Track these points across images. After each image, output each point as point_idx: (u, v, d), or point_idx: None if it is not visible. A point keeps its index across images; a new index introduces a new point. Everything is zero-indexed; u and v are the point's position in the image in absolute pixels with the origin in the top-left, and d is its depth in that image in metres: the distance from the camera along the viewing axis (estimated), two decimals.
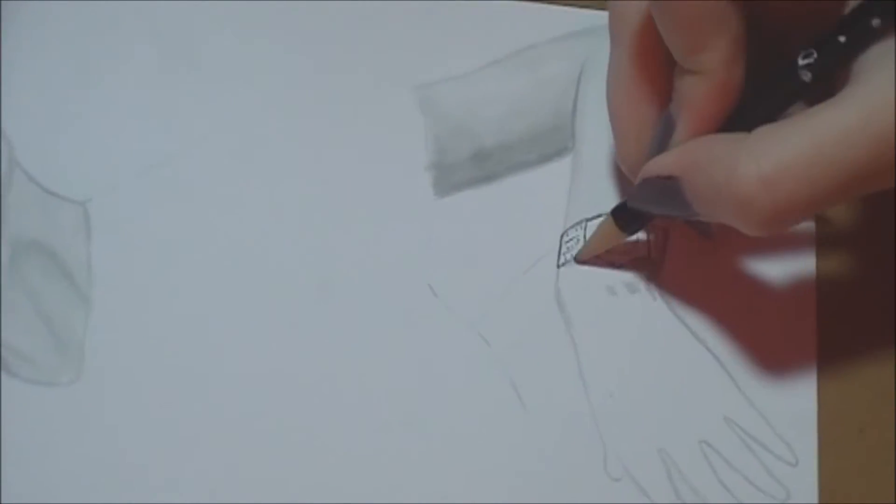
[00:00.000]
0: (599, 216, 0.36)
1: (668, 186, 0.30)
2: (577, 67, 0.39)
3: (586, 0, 0.39)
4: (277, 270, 0.36)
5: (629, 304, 0.35)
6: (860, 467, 0.33)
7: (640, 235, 0.36)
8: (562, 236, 0.36)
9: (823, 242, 0.36)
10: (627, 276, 0.36)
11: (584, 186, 0.37)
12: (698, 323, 0.35)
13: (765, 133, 0.28)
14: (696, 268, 0.36)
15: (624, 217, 0.34)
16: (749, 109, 0.30)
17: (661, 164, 0.30)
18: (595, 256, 0.35)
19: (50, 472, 0.33)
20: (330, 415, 0.34)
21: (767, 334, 0.35)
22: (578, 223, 0.36)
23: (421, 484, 0.33)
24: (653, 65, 0.32)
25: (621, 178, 0.37)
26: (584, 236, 0.36)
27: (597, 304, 0.35)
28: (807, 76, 0.29)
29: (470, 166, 0.37)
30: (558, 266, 0.36)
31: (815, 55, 0.29)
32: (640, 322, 0.35)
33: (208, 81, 0.38)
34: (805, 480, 0.33)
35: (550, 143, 0.38)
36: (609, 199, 0.37)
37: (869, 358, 0.35)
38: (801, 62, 0.29)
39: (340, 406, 0.34)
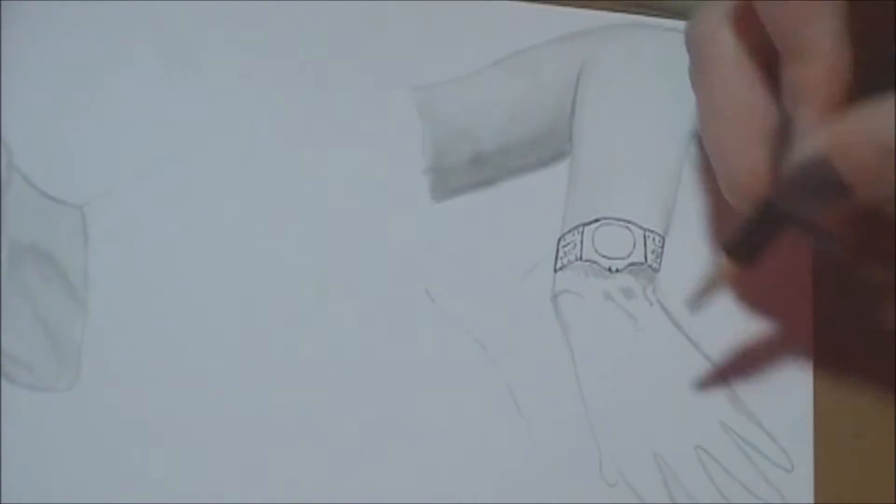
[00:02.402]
0: (596, 221, 0.36)
1: (820, 172, 0.28)
2: (575, 69, 0.39)
3: (585, 0, 0.39)
4: (274, 275, 0.36)
5: (626, 309, 0.35)
6: (856, 472, 0.33)
7: (638, 244, 0.36)
8: (559, 241, 0.36)
9: (821, 249, 0.36)
10: (624, 282, 0.36)
11: (582, 191, 0.37)
12: (694, 328, 0.35)
13: None
14: (693, 275, 0.35)
15: (738, 249, 0.32)
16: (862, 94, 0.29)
17: (812, 145, 0.29)
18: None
19: (48, 477, 0.33)
20: (326, 419, 0.34)
21: (763, 339, 0.35)
22: (576, 227, 0.36)
23: (415, 487, 0.33)
24: (756, 74, 0.32)
25: (618, 183, 0.37)
26: (581, 241, 0.36)
27: (593, 309, 0.35)
28: None
29: (468, 170, 0.37)
30: (555, 271, 0.36)
31: None
32: (636, 327, 0.35)
33: (206, 86, 0.38)
34: (801, 486, 0.33)
35: (548, 147, 0.38)
36: (606, 203, 0.36)
37: (865, 363, 0.35)
38: None
39: (336, 410, 0.34)
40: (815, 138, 0.29)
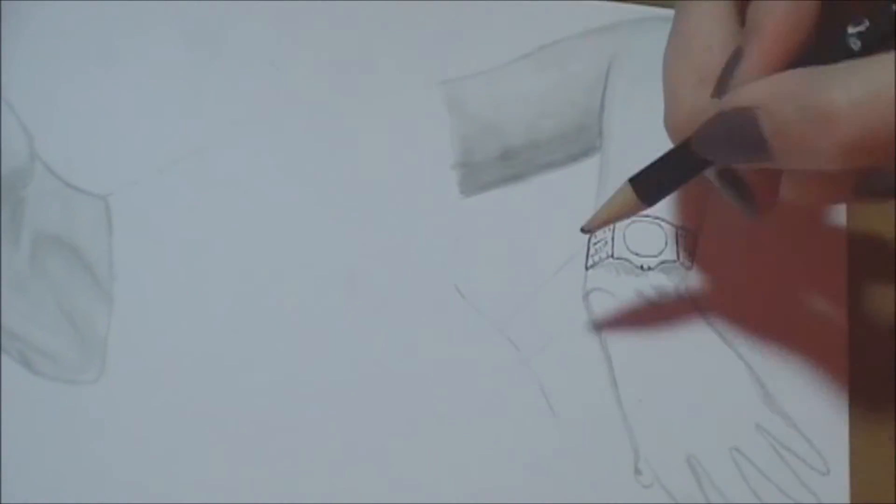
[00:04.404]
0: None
1: (743, 123, 0.28)
2: (604, 63, 0.38)
3: None
4: (301, 271, 0.35)
5: (659, 308, 0.35)
6: (892, 476, 0.33)
7: (669, 241, 0.36)
8: (589, 238, 0.36)
9: (855, 246, 0.36)
10: (657, 280, 0.35)
11: (612, 187, 0.36)
12: (729, 329, 0.35)
13: (855, 64, 0.26)
14: (725, 273, 0.35)
15: (645, 186, 0.31)
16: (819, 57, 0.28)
17: (743, 95, 0.28)
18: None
19: (73, 468, 0.33)
20: (356, 417, 0.34)
21: (798, 340, 0.34)
22: None
23: (448, 487, 0.33)
24: (728, 16, 0.31)
25: None
26: (613, 239, 0.36)
27: (626, 308, 0.35)
28: (856, 45, 0.28)
29: (497, 165, 0.37)
30: (586, 268, 0.36)
31: (867, 24, 0.28)
32: (669, 327, 0.35)
33: (231, 77, 0.38)
34: (836, 489, 0.33)
35: (577, 143, 0.37)
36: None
37: None
38: (850, 30, 0.28)
39: (365, 406, 0.34)
40: (756, 86, 0.28)
